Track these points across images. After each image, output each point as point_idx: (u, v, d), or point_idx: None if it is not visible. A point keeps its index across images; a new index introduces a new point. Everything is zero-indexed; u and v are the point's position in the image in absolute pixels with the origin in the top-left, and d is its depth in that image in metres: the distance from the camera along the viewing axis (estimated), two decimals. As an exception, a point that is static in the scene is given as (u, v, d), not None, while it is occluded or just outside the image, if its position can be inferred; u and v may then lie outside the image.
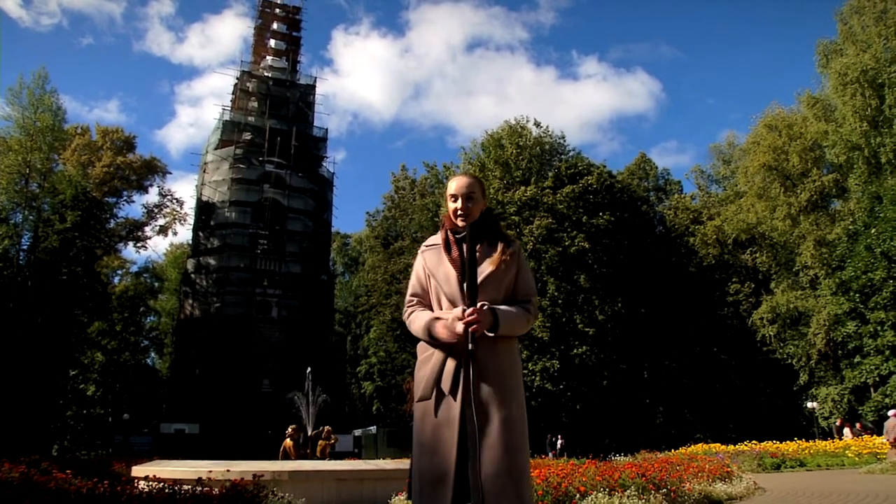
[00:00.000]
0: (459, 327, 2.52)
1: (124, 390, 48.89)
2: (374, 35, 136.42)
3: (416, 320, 2.73)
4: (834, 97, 33.47)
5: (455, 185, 2.79)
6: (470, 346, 2.49)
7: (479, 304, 2.55)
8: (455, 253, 2.71)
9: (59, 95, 39.43)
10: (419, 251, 2.88)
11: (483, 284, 2.62)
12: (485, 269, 2.64)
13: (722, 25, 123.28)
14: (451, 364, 2.55)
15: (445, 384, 2.54)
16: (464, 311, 2.55)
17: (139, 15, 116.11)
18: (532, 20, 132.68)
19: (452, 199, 2.78)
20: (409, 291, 2.87)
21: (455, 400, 2.50)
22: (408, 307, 2.83)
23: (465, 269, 2.64)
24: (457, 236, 2.76)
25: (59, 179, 37.36)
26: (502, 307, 2.58)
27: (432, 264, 2.77)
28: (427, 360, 2.64)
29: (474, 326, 2.49)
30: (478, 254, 2.68)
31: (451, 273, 2.68)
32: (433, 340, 2.63)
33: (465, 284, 2.62)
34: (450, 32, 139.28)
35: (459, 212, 2.75)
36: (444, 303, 2.68)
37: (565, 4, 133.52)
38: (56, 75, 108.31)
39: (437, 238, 2.84)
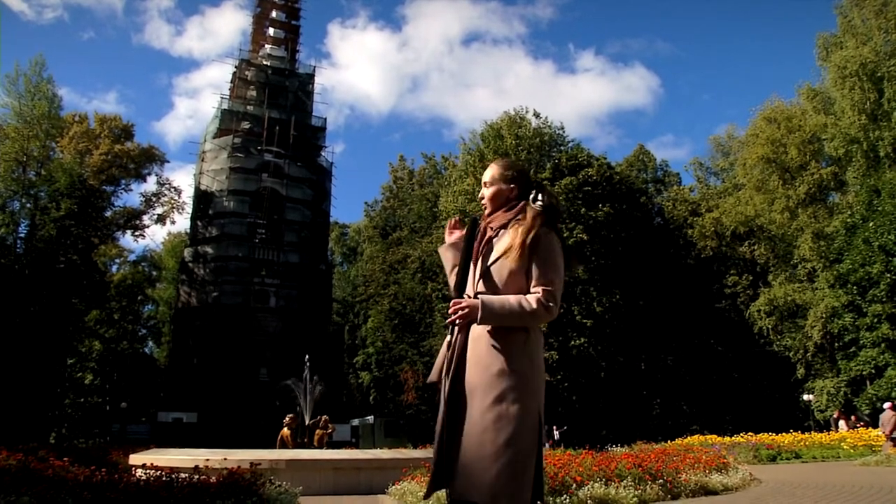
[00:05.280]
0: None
1: (122, 379, 48.90)
2: (371, 28, 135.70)
3: None
4: (833, 90, 33.47)
5: (484, 174, 2.83)
6: (449, 336, 2.57)
7: (466, 296, 2.59)
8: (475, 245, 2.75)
9: (57, 85, 39.37)
10: None
11: (484, 274, 2.60)
12: (490, 257, 2.61)
13: (720, 20, 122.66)
14: (447, 354, 2.59)
15: (444, 372, 2.59)
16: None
17: (139, 9, 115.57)
18: (529, 14, 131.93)
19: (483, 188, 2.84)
20: None
21: (446, 387, 2.54)
22: None
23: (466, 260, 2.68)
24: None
25: (55, 167, 37.26)
26: (491, 297, 2.53)
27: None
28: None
29: (452, 318, 2.53)
30: (495, 241, 2.65)
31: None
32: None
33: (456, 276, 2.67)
34: (447, 26, 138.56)
35: (482, 200, 2.80)
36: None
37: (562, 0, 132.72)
38: (56, 68, 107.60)
39: None
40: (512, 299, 2.53)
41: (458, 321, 2.53)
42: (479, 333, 2.53)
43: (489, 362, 2.48)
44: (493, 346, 2.50)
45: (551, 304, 2.53)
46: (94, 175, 41.57)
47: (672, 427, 33.27)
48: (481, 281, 2.60)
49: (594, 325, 33.35)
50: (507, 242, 2.60)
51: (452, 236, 2.91)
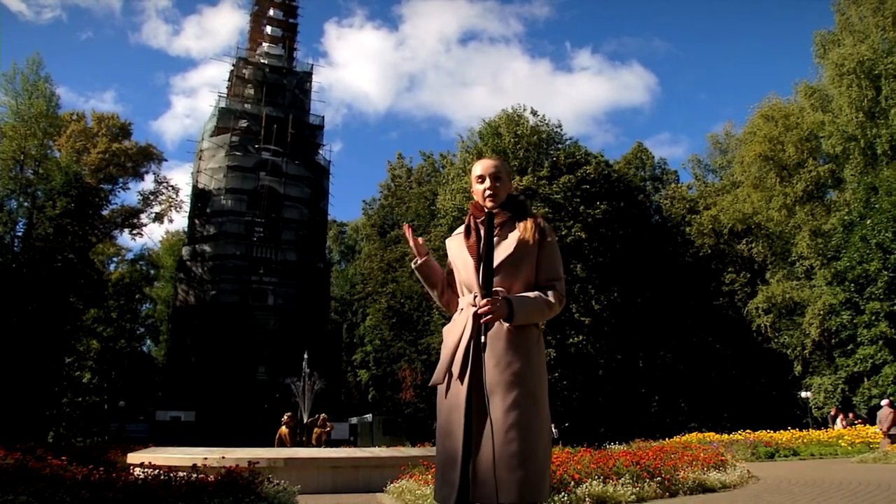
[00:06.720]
0: (470, 316, 2.53)
1: (120, 378, 48.90)
2: (368, 27, 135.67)
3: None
4: (831, 88, 33.49)
5: (481, 166, 2.74)
6: (483, 337, 2.49)
7: (493, 294, 2.52)
8: (473, 239, 2.67)
9: (55, 84, 39.23)
10: (447, 241, 2.84)
11: (499, 269, 2.57)
12: (501, 253, 2.58)
13: (718, 18, 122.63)
14: (461, 350, 2.53)
15: (455, 369, 2.52)
16: (475, 297, 2.55)
17: (136, 8, 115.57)
18: (526, 12, 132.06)
19: (479, 180, 2.73)
20: None
21: (462, 385, 2.48)
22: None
23: (480, 256, 2.60)
24: (478, 221, 2.72)
25: (52, 166, 37.20)
26: (519, 295, 2.53)
27: (454, 253, 2.75)
28: (445, 345, 2.64)
29: (486, 318, 2.47)
30: (497, 238, 2.62)
31: (468, 260, 2.64)
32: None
33: (479, 271, 2.58)
34: (444, 25, 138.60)
35: (488, 192, 2.70)
36: (465, 290, 2.66)
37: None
38: (54, 67, 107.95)
39: (463, 227, 2.80)
40: (532, 296, 2.56)
41: (491, 321, 2.48)
42: (497, 332, 2.51)
43: (510, 360, 2.48)
44: (513, 343, 2.50)
45: (564, 297, 2.61)
46: (92, 174, 41.48)
47: (670, 424, 33.33)
48: (495, 277, 2.58)
49: (592, 323, 33.37)
50: (518, 239, 2.60)
51: (419, 247, 2.80)
